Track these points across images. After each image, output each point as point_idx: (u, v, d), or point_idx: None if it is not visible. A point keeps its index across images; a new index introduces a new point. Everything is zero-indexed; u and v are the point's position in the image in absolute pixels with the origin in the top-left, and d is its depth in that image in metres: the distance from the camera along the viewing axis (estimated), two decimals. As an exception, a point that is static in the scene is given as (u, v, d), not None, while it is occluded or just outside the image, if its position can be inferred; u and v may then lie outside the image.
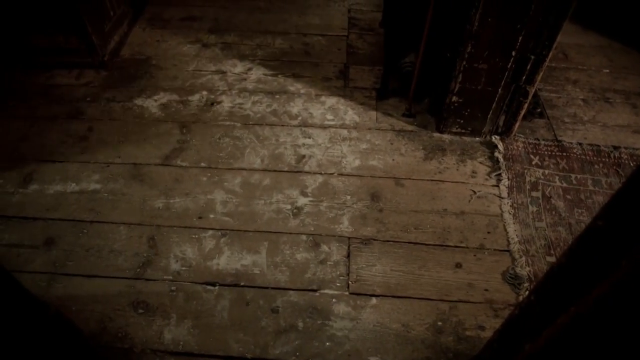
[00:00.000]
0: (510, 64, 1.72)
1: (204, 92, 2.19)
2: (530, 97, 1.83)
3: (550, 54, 1.68)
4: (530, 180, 1.86)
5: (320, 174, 1.86)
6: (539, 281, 1.38)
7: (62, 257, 1.60)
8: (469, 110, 1.91)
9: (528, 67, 1.72)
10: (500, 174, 1.87)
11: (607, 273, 0.72)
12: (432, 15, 1.74)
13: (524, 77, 1.76)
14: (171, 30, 2.58)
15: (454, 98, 1.88)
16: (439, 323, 1.45)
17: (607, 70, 2.39)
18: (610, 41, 2.56)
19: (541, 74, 1.74)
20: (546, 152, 1.97)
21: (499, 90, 1.82)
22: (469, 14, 1.64)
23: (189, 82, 2.25)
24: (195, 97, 2.17)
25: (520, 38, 1.64)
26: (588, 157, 1.96)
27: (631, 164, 1.93)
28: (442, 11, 1.75)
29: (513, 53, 1.69)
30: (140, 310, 1.48)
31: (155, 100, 2.16)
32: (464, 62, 1.75)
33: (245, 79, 2.28)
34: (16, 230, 1.67)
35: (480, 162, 1.92)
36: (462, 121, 1.96)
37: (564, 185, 1.85)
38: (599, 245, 0.76)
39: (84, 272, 1.56)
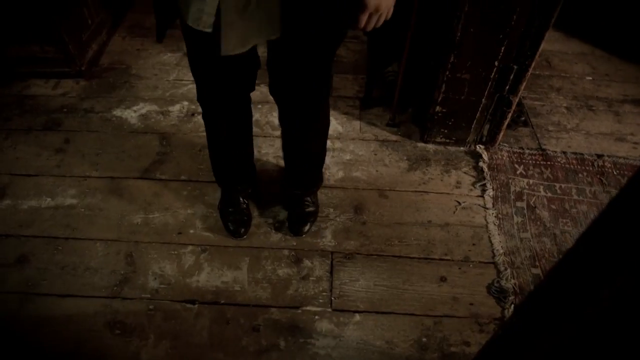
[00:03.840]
0: (493, 74, 1.71)
1: (185, 103, 2.15)
2: (514, 107, 1.82)
3: (534, 63, 1.67)
4: (515, 190, 1.85)
5: (303, 186, 1.82)
6: (521, 302, 1.35)
7: (35, 275, 1.55)
8: (453, 120, 1.90)
9: (511, 77, 1.70)
10: (484, 184, 1.85)
11: (590, 300, 0.69)
12: (414, 25, 1.72)
13: (507, 87, 1.75)
14: (152, 39, 2.53)
15: (438, 108, 1.86)
16: (424, 339, 1.43)
17: (590, 78, 2.39)
18: (593, 48, 2.57)
19: (524, 83, 1.73)
20: (530, 161, 1.96)
21: (483, 100, 1.81)
22: (451, 24, 1.62)
23: (169, 92, 2.21)
24: (175, 108, 2.13)
25: (502, 48, 1.62)
26: (572, 166, 1.96)
27: (614, 172, 1.93)
28: (425, 21, 1.74)
29: (496, 63, 1.67)
30: (117, 331, 1.43)
31: (135, 111, 2.11)
32: (447, 72, 1.73)
33: (227, 89, 2.24)
34: (-13, 249, 1.61)
35: (465, 172, 1.90)
36: (446, 131, 1.94)
37: (549, 194, 1.84)
38: (581, 269, 0.73)
39: (58, 292, 1.51)
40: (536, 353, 0.82)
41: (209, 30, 1.03)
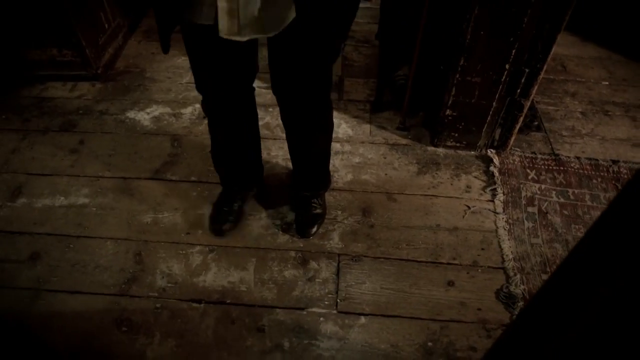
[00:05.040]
0: (504, 77, 1.69)
1: (197, 105, 2.18)
2: (525, 111, 1.80)
3: (545, 66, 1.64)
4: (526, 195, 1.82)
5: (312, 188, 1.82)
6: (525, 305, 1.32)
7: (46, 272, 1.58)
8: (463, 123, 1.88)
9: (522, 80, 1.69)
10: (495, 189, 1.83)
11: (593, 300, 0.68)
12: (424, 28, 1.72)
13: (518, 91, 1.73)
14: (167, 43, 2.57)
15: (448, 111, 1.85)
16: (429, 344, 1.41)
17: (607, 83, 2.35)
18: (610, 53, 2.53)
19: (536, 87, 1.71)
20: (543, 167, 1.93)
21: (494, 103, 1.79)
22: (461, 27, 1.62)
23: (182, 95, 2.24)
24: (187, 110, 2.16)
25: (513, 51, 1.61)
26: (586, 172, 1.92)
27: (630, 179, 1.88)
28: (435, 24, 1.73)
29: (507, 66, 1.66)
30: (124, 329, 1.44)
31: (148, 113, 2.14)
32: (457, 76, 1.72)
33: (239, 92, 2.26)
34: (1, 245, 1.64)
35: (475, 177, 1.88)
36: (456, 135, 1.93)
37: (561, 200, 1.81)
38: (583, 270, 0.72)
39: (68, 288, 1.53)
40: (540, 355, 0.80)
41: (211, 22, 1.05)
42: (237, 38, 1.07)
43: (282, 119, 1.46)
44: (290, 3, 1.03)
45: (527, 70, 1.66)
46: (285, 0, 1.03)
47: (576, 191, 1.84)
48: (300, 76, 1.26)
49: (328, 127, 1.50)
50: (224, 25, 1.04)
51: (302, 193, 1.66)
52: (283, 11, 1.05)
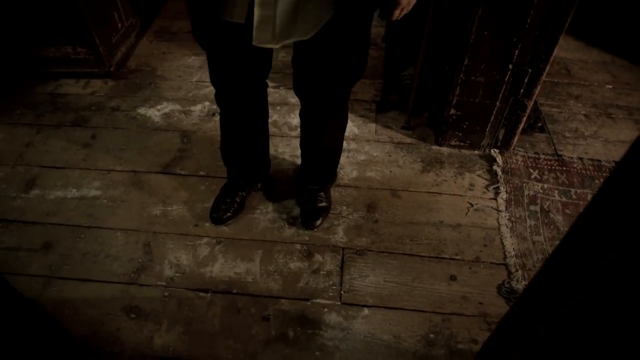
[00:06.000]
0: (507, 77, 1.73)
1: (206, 103, 2.23)
2: (528, 111, 1.83)
3: (548, 67, 1.68)
4: (529, 193, 1.85)
5: (318, 184, 1.86)
6: (521, 292, 1.35)
7: (58, 261, 1.62)
8: (467, 123, 1.91)
9: (525, 80, 1.72)
10: (498, 187, 1.86)
11: (581, 284, 0.71)
12: (430, 29, 1.76)
13: (521, 91, 1.76)
14: (178, 43, 2.63)
15: (452, 111, 1.88)
16: (431, 335, 1.44)
17: (610, 86, 2.38)
18: (614, 57, 2.55)
19: (539, 87, 1.74)
20: (546, 166, 1.96)
21: (497, 103, 1.82)
22: (465, 27, 1.65)
23: (192, 93, 2.29)
24: (197, 107, 2.21)
25: (516, 51, 1.64)
26: (588, 172, 1.94)
27: (633, 180, 1.91)
28: (440, 25, 1.77)
29: (510, 66, 1.69)
30: (132, 315, 1.48)
31: (158, 110, 2.19)
32: (462, 75, 1.75)
33: (247, 91, 2.31)
34: (15, 234, 1.69)
35: (479, 175, 1.91)
36: (460, 134, 1.96)
37: (563, 199, 1.83)
38: (570, 258, 0.75)
39: (78, 276, 1.58)
40: (533, 338, 0.83)
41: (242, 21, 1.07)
42: (270, 46, 1.10)
43: (300, 113, 1.49)
44: (326, 3, 1.04)
45: (530, 71, 1.69)
46: (320, 1, 1.04)
47: (578, 191, 1.87)
48: (331, 78, 1.28)
49: (344, 120, 1.53)
50: (258, 34, 1.06)
51: (308, 186, 1.70)
52: (318, 12, 1.06)
